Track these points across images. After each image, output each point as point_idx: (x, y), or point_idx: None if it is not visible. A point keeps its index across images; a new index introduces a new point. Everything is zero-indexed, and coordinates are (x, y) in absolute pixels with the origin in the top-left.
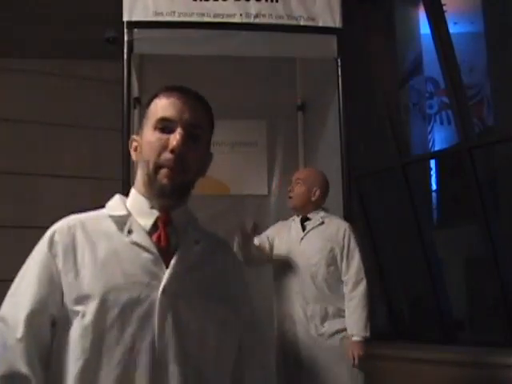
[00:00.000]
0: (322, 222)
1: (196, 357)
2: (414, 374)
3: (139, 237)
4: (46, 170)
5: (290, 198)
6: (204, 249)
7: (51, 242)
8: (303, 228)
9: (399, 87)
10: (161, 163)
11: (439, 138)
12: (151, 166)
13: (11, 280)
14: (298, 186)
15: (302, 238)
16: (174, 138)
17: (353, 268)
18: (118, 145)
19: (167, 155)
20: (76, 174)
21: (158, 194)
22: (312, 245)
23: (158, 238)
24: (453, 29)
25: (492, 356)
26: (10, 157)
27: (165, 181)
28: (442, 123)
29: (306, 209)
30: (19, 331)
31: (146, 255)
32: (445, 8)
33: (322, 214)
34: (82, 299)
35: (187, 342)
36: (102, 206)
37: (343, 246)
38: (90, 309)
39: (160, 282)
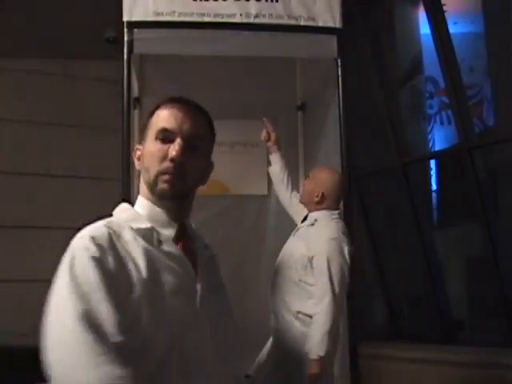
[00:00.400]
0: (313, 224)
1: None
2: (414, 373)
3: (170, 247)
4: (45, 170)
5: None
6: (210, 253)
7: (100, 248)
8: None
9: (399, 87)
10: (161, 171)
11: (439, 138)
12: (152, 174)
13: (11, 280)
14: (307, 181)
15: (293, 234)
16: (173, 148)
17: (319, 283)
18: (118, 145)
19: (167, 164)
20: (76, 174)
21: (160, 197)
22: (293, 243)
23: (183, 246)
24: (453, 29)
25: (492, 356)
26: (9, 157)
27: (165, 185)
28: (442, 123)
29: (309, 207)
30: (117, 335)
31: (178, 263)
32: (445, 8)
33: (320, 215)
34: (132, 310)
35: (225, 350)
36: (103, 208)
37: (313, 256)
38: (144, 318)
39: (195, 289)
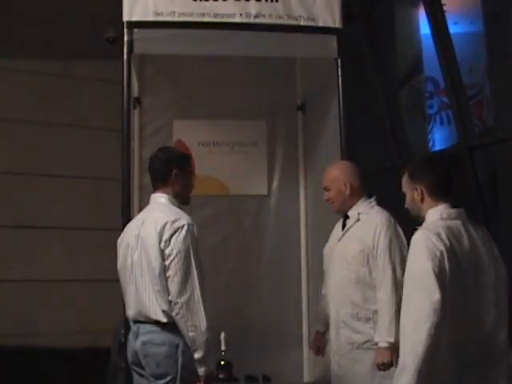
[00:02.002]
0: (358, 219)
1: None
2: None
3: None
4: (46, 170)
5: (332, 203)
6: None
7: None
8: (344, 227)
9: (399, 87)
10: None
11: (439, 138)
12: None
13: (11, 280)
14: (329, 192)
15: (339, 239)
16: None
17: (378, 269)
18: (118, 145)
19: None
20: (76, 174)
21: None
22: (346, 246)
23: None
24: (453, 29)
25: None
26: (10, 157)
27: None
28: (442, 123)
29: (348, 206)
30: None
31: None
32: (445, 8)
33: (360, 208)
34: None
35: None
36: (103, 208)
37: (373, 246)
38: None
39: None
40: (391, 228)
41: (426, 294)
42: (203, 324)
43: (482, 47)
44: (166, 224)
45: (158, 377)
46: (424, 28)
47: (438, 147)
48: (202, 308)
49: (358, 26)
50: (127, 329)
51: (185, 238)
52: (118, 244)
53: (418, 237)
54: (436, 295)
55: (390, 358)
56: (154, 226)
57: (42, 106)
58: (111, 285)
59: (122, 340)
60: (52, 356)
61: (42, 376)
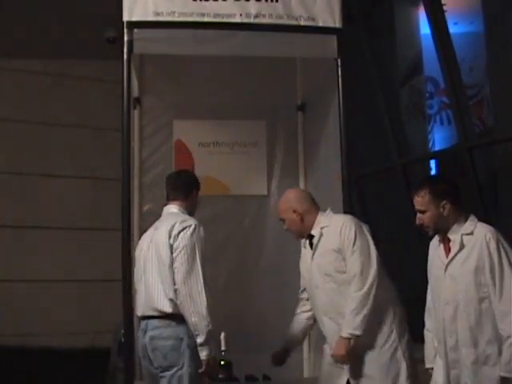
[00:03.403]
0: (322, 234)
1: None
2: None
3: None
4: (45, 170)
5: (292, 232)
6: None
7: None
8: (311, 246)
9: (399, 87)
10: None
11: (439, 138)
12: None
13: (11, 280)
14: (284, 223)
15: (312, 258)
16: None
17: (348, 266)
18: (118, 145)
19: None
20: (76, 174)
21: None
22: (321, 261)
23: None
24: (453, 29)
25: None
26: (10, 157)
27: None
28: (442, 123)
29: (306, 227)
30: None
31: None
32: (445, 8)
33: (321, 223)
34: None
35: None
36: (103, 208)
37: (342, 249)
38: None
39: None
40: (354, 226)
41: None
42: (204, 309)
43: (481, 47)
44: (175, 223)
45: (165, 368)
46: (424, 28)
47: (437, 147)
48: (204, 296)
49: (357, 26)
50: (127, 329)
51: (192, 234)
52: (136, 255)
53: (496, 233)
54: None
55: (342, 352)
56: (166, 227)
57: (42, 105)
58: (111, 285)
59: (122, 340)
60: (52, 356)
61: (42, 376)
